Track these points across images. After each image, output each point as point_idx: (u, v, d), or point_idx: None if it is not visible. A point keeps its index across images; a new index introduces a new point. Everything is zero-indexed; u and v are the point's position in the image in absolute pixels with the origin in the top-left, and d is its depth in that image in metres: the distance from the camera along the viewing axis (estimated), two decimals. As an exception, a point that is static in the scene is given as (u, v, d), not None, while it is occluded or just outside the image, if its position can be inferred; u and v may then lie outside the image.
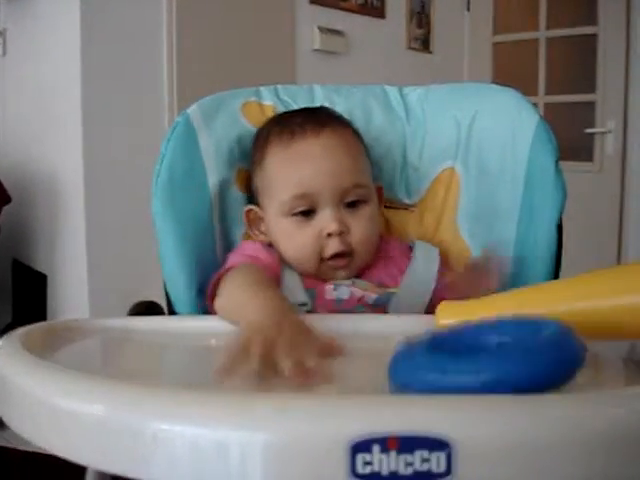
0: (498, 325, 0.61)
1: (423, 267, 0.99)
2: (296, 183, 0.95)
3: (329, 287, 0.94)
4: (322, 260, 0.95)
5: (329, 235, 0.94)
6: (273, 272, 0.94)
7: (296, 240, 0.96)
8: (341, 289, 0.94)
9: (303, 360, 0.61)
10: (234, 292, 0.85)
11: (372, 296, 0.94)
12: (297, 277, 0.96)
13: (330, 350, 0.64)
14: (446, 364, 0.53)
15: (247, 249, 0.99)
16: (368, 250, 0.98)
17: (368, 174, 1.01)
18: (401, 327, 0.79)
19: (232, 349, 0.63)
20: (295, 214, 0.96)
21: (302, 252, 0.96)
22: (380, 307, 0.94)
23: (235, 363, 0.61)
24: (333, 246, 0.95)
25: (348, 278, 0.96)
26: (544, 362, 0.51)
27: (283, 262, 0.98)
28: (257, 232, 1.03)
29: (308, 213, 0.95)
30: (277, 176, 0.98)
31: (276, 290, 0.83)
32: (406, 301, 0.95)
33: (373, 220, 0.98)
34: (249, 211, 1.03)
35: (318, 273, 0.96)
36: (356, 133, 1.03)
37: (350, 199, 0.96)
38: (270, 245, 1.01)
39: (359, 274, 0.98)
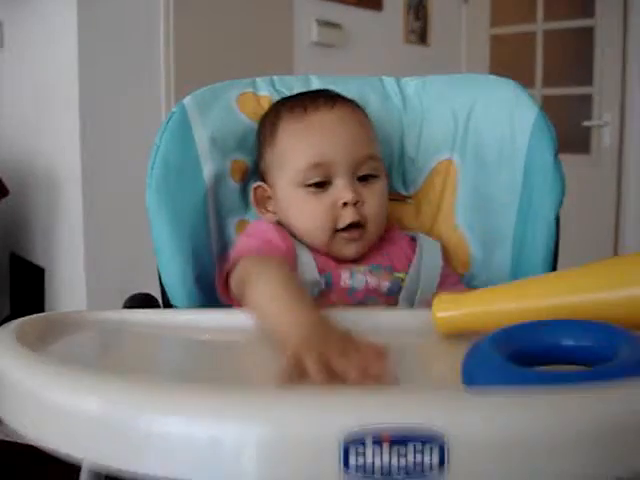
0: (557, 326, 0.62)
1: (429, 258, 0.99)
2: (312, 152, 0.95)
3: (345, 275, 0.94)
4: (335, 232, 0.95)
5: (344, 205, 0.94)
6: (291, 258, 0.93)
7: (310, 210, 0.95)
8: (357, 277, 0.94)
9: (365, 366, 0.59)
10: (265, 293, 0.80)
11: (386, 284, 0.94)
12: (312, 258, 0.95)
13: (379, 353, 0.62)
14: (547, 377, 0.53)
15: (259, 231, 0.98)
16: (379, 225, 0.98)
17: (378, 148, 1.01)
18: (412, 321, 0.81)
19: (286, 370, 0.61)
20: (309, 185, 0.95)
21: (315, 223, 0.95)
22: (392, 296, 0.95)
23: (293, 383, 0.60)
24: (348, 215, 0.94)
25: (358, 254, 0.96)
26: None
27: (294, 240, 0.97)
28: (264, 210, 1.02)
29: (322, 185, 0.95)
30: (291, 146, 0.97)
31: (308, 295, 0.80)
32: (416, 290, 0.96)
33: (384, 196, 0.99)
34: (257, 188, 1.02)
35: (329, 246, 0.95)
36: (364, 112, 1.03)
37: (363, 172, 0.96)
38: (279, 224, 1.00)
39: (368, 254, 0.97)
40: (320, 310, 0.72)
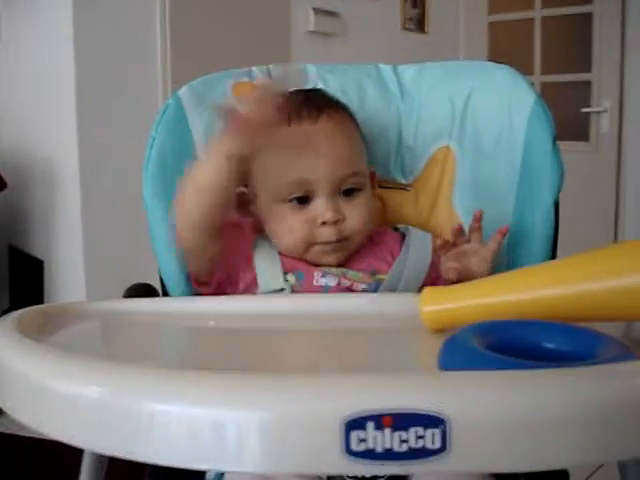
0: (539, 328, 0.62)
1: (415, 255, 0.97)
2: (290, 169, 0.93)
3: (317, 273, 0.93)
4: (312, 245, 0.94)
5: (323, 223, 0.93)
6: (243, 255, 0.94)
7: (288, 225, 0.94)
8: (329, 277, 0.93)
9: None
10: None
11: (361, 285, 0.93)
12: (277, 262, 0.94)
13: None
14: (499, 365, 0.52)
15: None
16: (362, 236, 0.96)
17: (364, 160, 0.99)
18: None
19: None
20: (290, 200, 0.94)
21: (294, 237, 0.93)
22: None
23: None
24: (326, 234, 0.93)
25: (338, 264, 0.95)
26: None
27: (269, 245, 0.96)
28: (245, 213, 1.00)
29: (303, 200, 0.93)
30: (272, 161, 0.94)
31: None
32: (395, 289, 0.94)
33: (368, 207, 0.97)
34: (242, 193, 1.00)
35: (307, 256, 0.94)
36: (352, 117, 1.01)
37: (346, 187, 0.94)
38: (256, 228, 0.99)
39: (348, 259, 0.96)
40: None
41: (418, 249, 0.98)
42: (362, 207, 0.95)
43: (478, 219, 0.94)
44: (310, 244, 0.94)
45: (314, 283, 0.93)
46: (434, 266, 0.96)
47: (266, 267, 0.94)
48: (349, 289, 0.93)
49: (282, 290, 0.91)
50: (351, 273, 0.94)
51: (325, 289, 0.92)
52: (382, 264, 0.97)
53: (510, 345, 0.58)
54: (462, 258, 0.93)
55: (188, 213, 0.89)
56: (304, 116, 0.94)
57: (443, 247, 0.94)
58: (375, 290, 0.93)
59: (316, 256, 0.94)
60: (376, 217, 1.04)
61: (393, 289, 0.94)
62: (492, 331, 0.60)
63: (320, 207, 0.93)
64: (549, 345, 0.60)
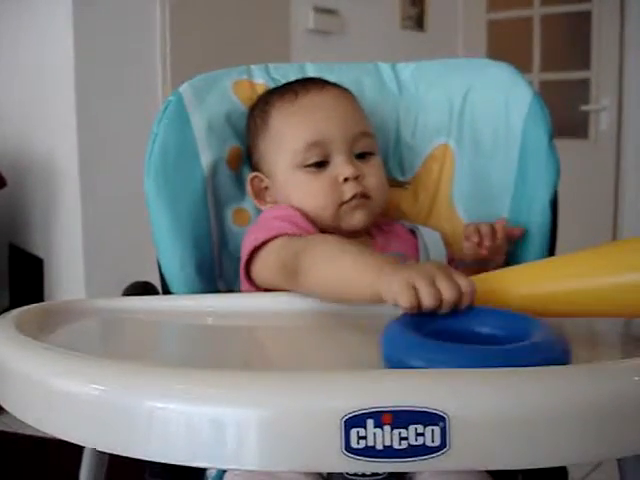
0: (476, 314, 0.62)
1: (434, 251, 0.99)
2: (308, 131, 0.96)
3: None
4: (340, 206, 0.95)
5: (345, 180, 0.95)
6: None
7: (312, 190, 0.96)
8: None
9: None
10: (326, 264, 0.78)
11: None
12: None
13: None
14: (451, 352, 0.53)
15: (285, 215, 0.95)
16: (382, 199, 0.99)
17: (371, 127, 1.02)
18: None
19: (401, 293, 0.62)
20: (308, 165, 0.96)
21: (319, 202, 0.95)
22: None
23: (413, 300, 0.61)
24: (351, 189, 0.95)
25: (366, 223, 0.97)
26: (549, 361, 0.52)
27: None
28: (263, 202, 1.02)
29: (321, 164, 0.96)
30: (287, 128, 0.98)
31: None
32: None
33: (382, 170, 1.00)
34: (254, 178, 1.02)
35: (336, 220, 0.95)
36: (353, 94, 1.04)
37: (360, 150, 0.97)
38: None
39: (379, 243, 0.98)
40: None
41: (434, 246, 1.00)
42: (378, 168, 0.99)
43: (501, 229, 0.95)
44: (337, 205, 0.95)
45: None
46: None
47: None
48: None
49: None
50: (394, 254, 0.94)
51: None
52: (406, 250, 0.98)
53: (445, 332, 0.59)
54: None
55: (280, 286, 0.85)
56: (310, 87, 0.99)
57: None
58: None
59: (346, 218, 0.96)
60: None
61: None
62: (424, 320, 0.61)
63: (340, 165, 0.95)
64: (483, 330, 0.61)
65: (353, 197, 0.95)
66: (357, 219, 0.96)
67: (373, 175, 0.97)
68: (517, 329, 0.58)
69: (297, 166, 0.96)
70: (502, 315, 0.62)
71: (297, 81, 1.03)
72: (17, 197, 2.58)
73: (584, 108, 3.60)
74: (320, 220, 0.96)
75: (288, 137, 0.97)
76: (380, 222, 1.03)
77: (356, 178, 0.95)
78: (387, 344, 0.57)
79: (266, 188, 1.01)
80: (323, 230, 0.95)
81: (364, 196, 0.96)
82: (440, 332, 0.58)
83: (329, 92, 0.99)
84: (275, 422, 0.46)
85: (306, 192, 0.96)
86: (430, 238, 1.01)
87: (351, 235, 0.95)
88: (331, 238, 0.84)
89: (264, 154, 1.01)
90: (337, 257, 0.78)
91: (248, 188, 1.02)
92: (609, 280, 0.64)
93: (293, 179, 0.97)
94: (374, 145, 1.00)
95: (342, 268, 0.75)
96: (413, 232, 1.02)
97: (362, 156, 0.98)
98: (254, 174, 1.02)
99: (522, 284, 0.70)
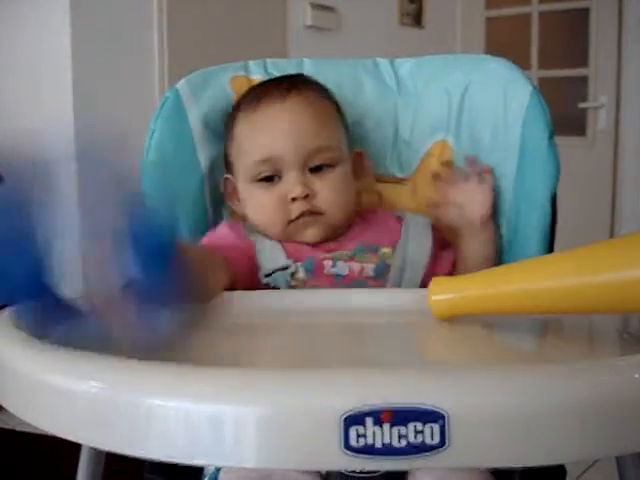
0: None
1: (416, 236, 0.98)
2: (259, 147, 0.95)
3: (327, 262, 0.94)
4: (289, 222, 0.95)
5: (293, 200, 0.94)
6: (244, 255, 0.93)
7: (261, 205, 0.96)
8: (339, 265, 0.93)
9: None
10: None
11: (371, 266, 0.94)
12: (278, 246, 0.95)
13: None
14: None
15: (216, 234, 0.98)
16: (339, 210, 0.97)
17: (338, 138, 1.00)
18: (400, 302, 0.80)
19: None
20: (261, 179, 0.96)
21: (268, 217, 0.95)
22: (380, 279, 0.94)
23: None
24: (298, 208, 0.94)
25: (321, 237, 0.96)
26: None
27: (257, 236, 0.97)
28: (236, 202, 1.02)
29: (273, 178, 0.95)
30: (243, 142, 0.98)
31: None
32: (405, 268, 0.95)
33: (343, 183, 0.97)
34: (226, 179, 1.03)
35: (287, 236, 0.95)
36: (329, 98, 1.02)
37: (315, 164, 0.95)
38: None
39: (342, 236, 0.97)
40: None
41: (418, 231, 0.99)
42: (334, 183, 0.96)
43: (472, 162, 0.99)
44: (285, 222, 0.95)
45: (325, 272, 0.93)
46: (436, 251, 0.98)
47: (269, 252, 0.94)
48: (360, 274, 0.93)
49: (287, 268, 0.91)
50: (357, 253, 0.95)
51: (336, 278, 0.93)
52: (383, 240, 0.97)
53: None
54: (460, 196, 1.00)
55: None
56: (275, 96, 0.97)
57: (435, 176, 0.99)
58: (383, 271, 0.94)
59: (296, 234, 0.95)
60: (368, 206, 1.05)
61: (402, 270, 0.94)
62: None
63: (289, 182, 0.94)
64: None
65: (301, 215, 0.94)
66: (309, 235, 0.96)
67: (327, 191, 0.95)
68: None
69: (250, 179, 0.97)
70: None
71: (266, 83, 1.02)
72: (13, 194, 2.58)
73: (582, 105, 3.60)
74: (269, 234, 0.96)
75: (245, 149, 0.98)
76: (367, 211, 1.03)
77: (305, 197, 0.94)
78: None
79: (236, 190, 1.02)
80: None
81: (314, 213, 0.95)
82: None
83: (291, 101, 0.96)
84: (274, 420, 0.46)
85: (256, 206, 0.97)
86: (417, 224, 1.00)
87: None
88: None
89: (230, 160, 1.01)
90: None
91: (221, 187, 1.03)
92: (608, 276, 0.64)
93: (248, 191, 0.98)
94: (335, 157, 0.97)
95: None
96: (400, 218, 1.02)
97: (319, 168, 0.96)
98: (226, 176, 1.02)
99: (521, 280, 0.71)
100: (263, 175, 0.95)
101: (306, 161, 0.95)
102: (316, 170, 0.96)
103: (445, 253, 1.01)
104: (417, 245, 0.97)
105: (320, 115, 0.98)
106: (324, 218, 0.95)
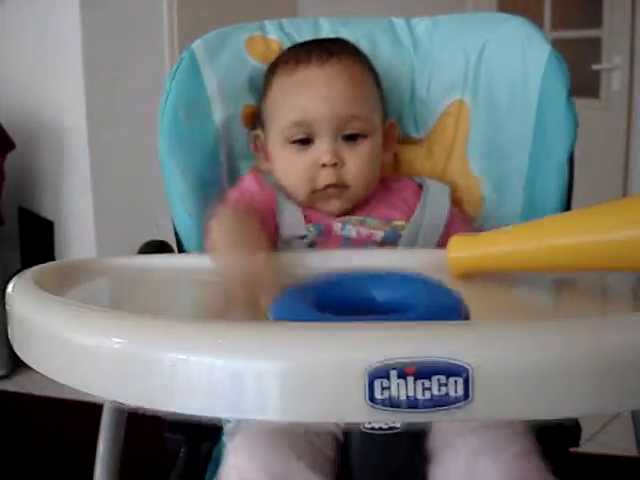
0: (368, 279, 0.64)
1: (434, 205, 0.98)
2: (294, 109, 0.95)
3: (337, 224, 0.94)
4: (315, 191, 0.95)
5: (323, 166, 0.94)
6: (268, 209, 0.94)
7: (291, 168, 0.96)
8: (347, 228, 0.94)
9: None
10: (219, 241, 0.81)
11: (380, 234, 0.94)
12: (298, 212, 0.95)
13: None
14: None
15: (243, 186, 0.99)
16: (364, 185, 0.97)
17: (373, 108, 0.99)
18: (413, 261, 0.80)
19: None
20: (293, 142, 0.96)
21: (295, 180, 0.96)
22: (389, 244, 0.94)
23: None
24: (325, 177, 0.94)
25: (343, 210, 0.96)
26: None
27: (278, 192, 0.97)
28: (263, 159, 1.02)
29: (306, 142, 0.95)
30: (278, 103, 0.98)
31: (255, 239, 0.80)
32: (416, 239, 0.95)
33: (372, 156, 0.97)
34: (257, 136, 1.03)
35: (310, 203, 0.96)
36: (368, 66, 1.02)
37: (348, 132, 0.95)
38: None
39: (359, 208, 0.97)
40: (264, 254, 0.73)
41: (436, 200, 0.99)
42: (364, 154, 0.96)
43: None
44: (310, 191, 0.95)
45: (333, 234, 0.93)
46: (452, 220, 0.97)
47: (288, 216, 0.95)
48: (369, 238, 0.93)
49: (304, 237, 0.92)
50: (368, 220, 0.95)
51: (345, 240, 0.93)
52: (396, 213, 0.97)
53: (340, 300, 0.60)
54: None
55: None
56: (313, 60, 0.96)
57: None
58: (393, 239, 0.94)
59: (320, 203, 0.96)
60: (387, 170, 1.05)
61: (413, 240, 0.94)
62: (311, 291, 0.62)
63: (320, 149, 0.94)
64: (381, 297, 0.62)
65: (327, 187, 0.95)
66: (332, 206, 0.96)
67: (356, 162, 0.95)
68: (411, 295, 0.60)
69: (283, 140, 0.97)
70: (399, 280, 0.64)
71: (307, 44, 1.02)
72: (26, 160, 2.58)
73: (595, 67, 3.55)
74: (295, 197, 0.97)
75: (279, 110, 0.98)
76: (388, 178, 1.02)
77: (334, 165, 0.94)
78: (274, 307, 0.59)
79: (264, 149, 1.02)
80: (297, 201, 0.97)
81: (340, 186, 0.95)
82: (335, 300, 0.60)
83: (330, 67, 0.96)
84: (298, 373, 0.46)
85: (286, 169, 0.97)
86: (436, 191, 1.00)
87: None
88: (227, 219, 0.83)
89: (265, 118, 1.01)
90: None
91: (251, 142, 1.03)
92: (622, 234, 0.64)
93: (278, 151, 0.98)
94: (368, 128, 0.97)
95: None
96: (421, 186, 1.02)
97: (352, 137, 0.96)
98: (257, 132, 1.03)
99: (538, 238, 0.71)
100: (296, 137, 0.95)
101: (339, 128, 0.95)
102: (349, 139, 0.96)
103: (461, 222, 1.00)
104: (433, 215, 0.97)
105: (357, 84, 0.98)
106: (349, 192, 0.96)
